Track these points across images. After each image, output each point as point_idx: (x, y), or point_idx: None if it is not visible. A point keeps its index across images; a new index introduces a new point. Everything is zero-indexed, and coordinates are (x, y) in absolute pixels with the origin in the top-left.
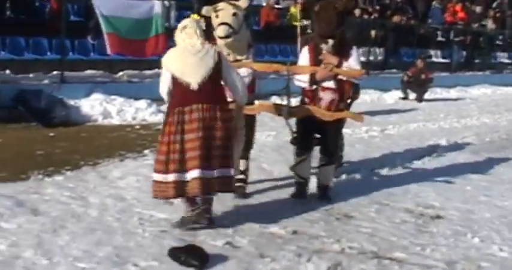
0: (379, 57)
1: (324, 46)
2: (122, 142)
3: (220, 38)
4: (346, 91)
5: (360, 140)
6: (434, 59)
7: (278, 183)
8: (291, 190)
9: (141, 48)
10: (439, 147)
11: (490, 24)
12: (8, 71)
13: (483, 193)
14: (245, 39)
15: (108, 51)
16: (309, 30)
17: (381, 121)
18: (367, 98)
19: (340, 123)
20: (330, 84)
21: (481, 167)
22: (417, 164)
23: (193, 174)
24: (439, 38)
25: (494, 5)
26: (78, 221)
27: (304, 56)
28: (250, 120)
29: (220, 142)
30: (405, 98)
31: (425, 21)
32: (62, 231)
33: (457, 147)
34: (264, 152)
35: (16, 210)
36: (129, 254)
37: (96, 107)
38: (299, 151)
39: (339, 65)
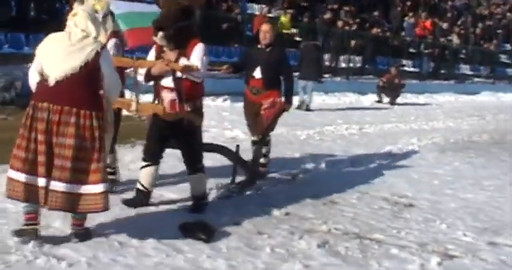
0: (358, 64)
1: (155, 38)
2: (132, 130)
3: None
4: (189, 90)
5: (340, 136)
6: (406, 68)
7: (270, 169)
8: (284, 177)
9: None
10: (411, 145)
11: (455, 39)
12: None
13: (448, 187)
14: (104, 29)
15: (128, 46)
16: (297, 38)
17: (359, 120)
18: (346, 100)
19: (194, 127)
20: (168, 82)
21: (447, 164)
22: (391, 159)
23: (40, 181)
24: (411, 50)
25: (459, 22)
26: None
27: (151, 53)
28: (118, 114)
29: (71, 152)
30: (380, 101)
31: (399, 34)
32: None
33: (426, 146)
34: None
35: None
36: (144, 226)
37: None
38: (144, 157)
39: (177, 61)
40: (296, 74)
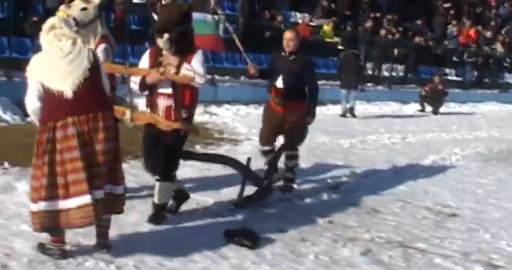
0: (400, 73)
1: (160, 41)
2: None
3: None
4: (186, 97)
5: (383, 145)
6: (449, 77)
7: (314, 177)
8: (327, 185)
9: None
10: (454, 155)
11: (499, 48)
12: None
13: (492, 196)
14: (93, 34)
15: None
16: (339, 46)
17: (401, 130)
18: (388, 109)
19: (178, 134)
20: (166, 89)
21: (490, 173)
22: (434, 168)
23: (79, 201)
24: (454, 58)
25: (503, 31)
26: (145, 203)
27: (144, 58)
28: None
29: (104, 157)
30: (423, 110)
31: (442, 42)
32: (132, 211)
33: (469, 155)
34: (300, 152)
35: None
36: (189, 232)
37: None
38: (148, 171)
39: (179, 66)
40: (337, 82)
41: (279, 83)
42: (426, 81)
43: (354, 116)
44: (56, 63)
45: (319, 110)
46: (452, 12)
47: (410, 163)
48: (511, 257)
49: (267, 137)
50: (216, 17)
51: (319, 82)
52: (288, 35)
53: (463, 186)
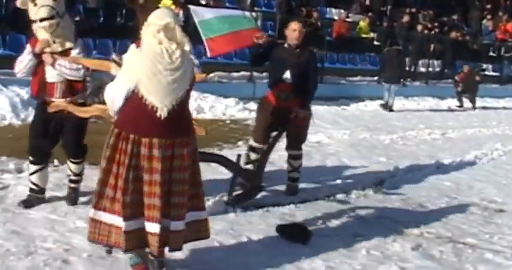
0: (437, 69)
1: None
2: (216, 134)
3: (43, 19)
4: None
5: (424, 141)
6: (486, 72)
7: (358, 173)
8: (372, 181)
9: (240, 39)
10: (496, 150)
11: None
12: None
13: None
14: (70, 27)
15: (208, 55)
16: (375, 42)
17: (440, 125)
18: (425, 104)
19: (80, 121)
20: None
21: None
22: (477, 164)
23: (151, 227)
24: (491, 53)
25: None
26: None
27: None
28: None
29: (185, 186)
30: (461, 106)
31: (478, 37)
32: None
33: (511, 151)
34: (342, 148)
35: None
36: (242, 228)
37: (191, 102)
38: (33, 159)
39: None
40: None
41: (287, 76)
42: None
43: (391, 110)
44: (161, 75)
45: (357, 106)
46: (488, 6)
47: (452, 159)
48: None
49: (264, 134)
50: (254, 14)
51: (356, 78)
52: (295, 26)
53: (507, 182)
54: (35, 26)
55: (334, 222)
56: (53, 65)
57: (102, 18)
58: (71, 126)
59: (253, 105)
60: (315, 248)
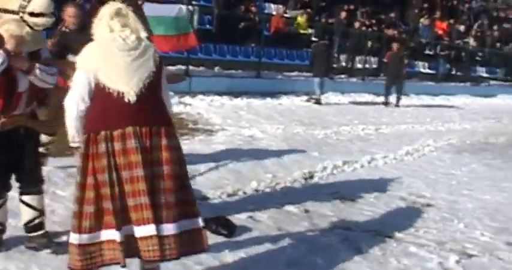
0: (374, 65)
1: None
2: None
3: (41, 15)
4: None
5: (357, 136)
6: (422, 70)
7: (288, 167)
8: (301, 175)
9: (175, 44)
10: (427, 146)
11: (471, 42)
12: None
13: (466, 187)
14: None
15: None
16: (313, 38)
17: (375, 121)
18: (362, 101)
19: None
20: None
21: (463, 165)
22: (408, 159)
23: (143, 230)
24: (427, 52)
25: (475, 25)
26: None
27: None
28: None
29: (171, 182)
30: (386, 102)
31: (415, 35)
32: None
33: (442, 147)
34: (275, 142)
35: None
36: None
37: None
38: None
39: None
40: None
41: None
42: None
43: (320, 103)
44: (117, 56)
45: (292, 100)
46: (425, 5)
47: (384, 154)
48: (485, 247)
49: None
50: (190, 8)
51: (293, 73)
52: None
53: (437, 177)
54: (7, 18)
55: (261, 216)
56: (30, 70)
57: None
58: (30, 147)
59: (188, 99)
60: (239, 242)
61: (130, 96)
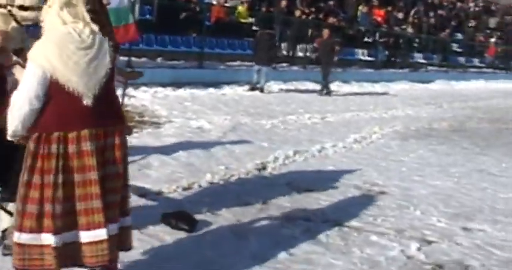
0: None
1: None
2: None
3: (28, 8)
4: None
5: (304, 125)
6: (361, 57)
7: (240, 159)
8: (254, 166)
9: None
10: (374, 133)
11: (409, 29)
12: None
13: (416, 174)
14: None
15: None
16: (254, 27)
17: (320, 110)
18: (304, 89)
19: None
20: None
21: (411, 151)
22: (357, 147)
23: (92, 235)
24: (366, 39)
25: (412, 12)
26: None
27: None
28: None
29: (120, 181)
30: (322, 90)
31: (354, 23)
32: None
33: (388, 134)
34: (223, 133)
35: None
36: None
37: None
38: None
39: None
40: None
41: None
42: (343, 61)
43: (262, 91)
44: (75, 56)
45: (236, 90)
46: None
47: (333, 143)
48: (443, 233)
49: None
50: None
51: (235, 63)
52: None
53: (387, 164)
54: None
55: (218, 210)
56: (13, 66)
57: None
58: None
59: (132, 91)
60: (201, 236)
61: (88, 98)
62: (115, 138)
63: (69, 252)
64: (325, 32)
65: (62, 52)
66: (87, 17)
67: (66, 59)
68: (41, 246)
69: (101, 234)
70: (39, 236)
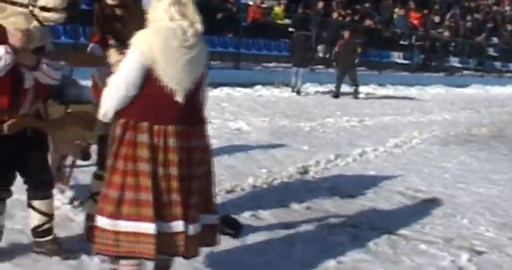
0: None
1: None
2: None
3: (52, 10)
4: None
5: (343, 129)
6: (397, 60)
7: (282, 162)
8: (296, 170)
9: None
10: (413, 138)
11: (445, 32)
12: None
13: (459, 180)
14: None
15: None
16: (290, 29)
17: (357, 112)
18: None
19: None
20: None
21: (453, 157)
22: (398, 152)
23: (176, 226)
24: (402, 42)
25: (448, 15)
26: None
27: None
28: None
29: (200, 182)
30: (337, 95)
31: (390, 26)
32: None
33: (428, 139)
34: (263, 135)
35: None
36: None
37: None
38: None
39: None
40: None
41: None
42: (375, 64)
43: (298, 93)
44: (177, 53)
45: (272, 92)
46: None
47: (373, 147)
48: (492, 243)
49: None
50: None
51: (271, 64)
52: None
53: (429, 170)
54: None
55: (264, 213)
56: (36, 65)
57: None
58: (38, 149)
59: None
60: (247, 242)
61: (180, 96)
62: (201, 140)
63: (163, 241)
64: (346, 33)
65: (165, 46)
66: (196, 17)
67: (168, 54)
68: (137, 234)
69: (179, 226)
70: (138, 224)
